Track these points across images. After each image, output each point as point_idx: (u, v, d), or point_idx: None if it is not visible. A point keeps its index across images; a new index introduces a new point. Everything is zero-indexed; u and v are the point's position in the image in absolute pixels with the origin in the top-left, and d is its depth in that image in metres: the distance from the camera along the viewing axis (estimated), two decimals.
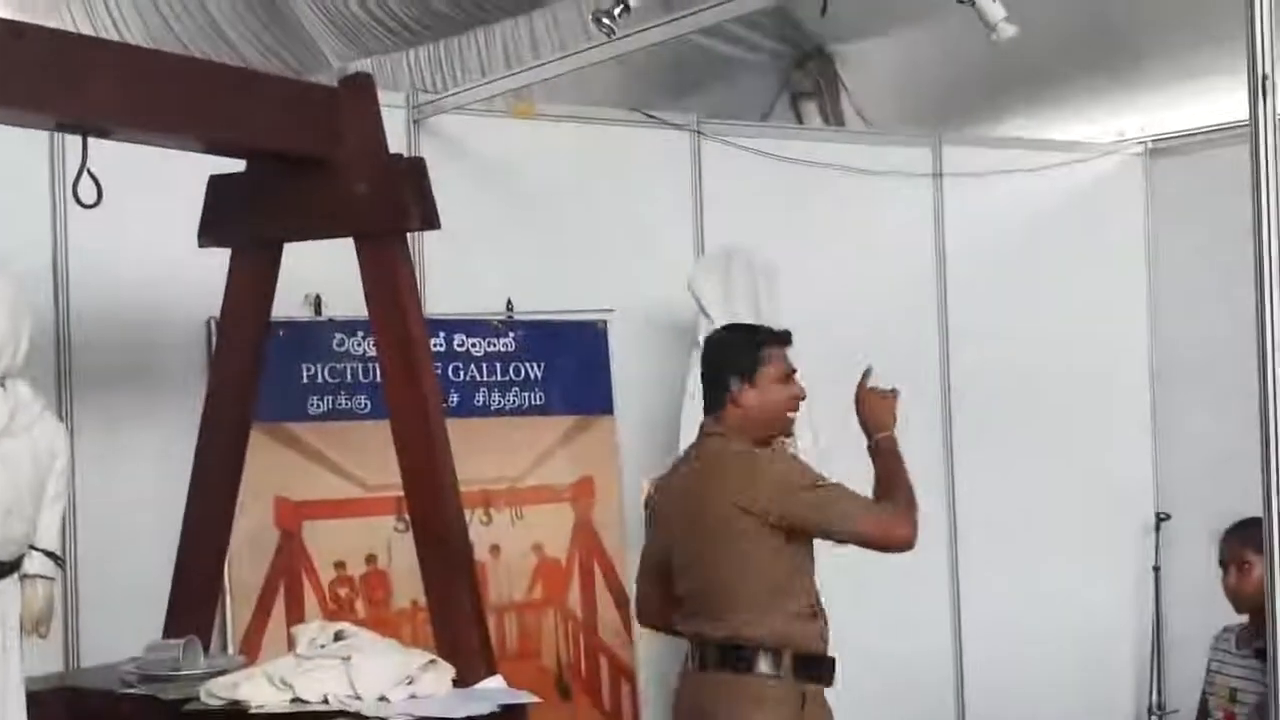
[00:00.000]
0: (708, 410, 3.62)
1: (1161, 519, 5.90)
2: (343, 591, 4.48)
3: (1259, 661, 3.92)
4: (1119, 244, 6.09)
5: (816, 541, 3.55)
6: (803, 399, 3.64)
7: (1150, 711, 5.90)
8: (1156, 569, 5.89)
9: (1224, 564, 4.36)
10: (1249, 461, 2.90)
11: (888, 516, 3.51)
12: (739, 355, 3.60)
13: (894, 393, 3.67)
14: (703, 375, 3.68)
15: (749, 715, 3.43)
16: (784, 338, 3.68)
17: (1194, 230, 5.76)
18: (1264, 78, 2.72)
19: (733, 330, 3.89)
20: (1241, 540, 4.20)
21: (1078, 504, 5.82)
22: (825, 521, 3.46)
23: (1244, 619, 4.37)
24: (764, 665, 3.43)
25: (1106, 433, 5.96)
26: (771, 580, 3.46)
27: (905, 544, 3.56)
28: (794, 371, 3.64)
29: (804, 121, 6.60)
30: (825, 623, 3.56)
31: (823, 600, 3.59)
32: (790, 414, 3.64)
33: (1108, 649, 5.99)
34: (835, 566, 5.02)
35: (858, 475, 5.19)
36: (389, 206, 3.43)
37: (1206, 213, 5.47)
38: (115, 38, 7.38)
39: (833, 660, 3.56)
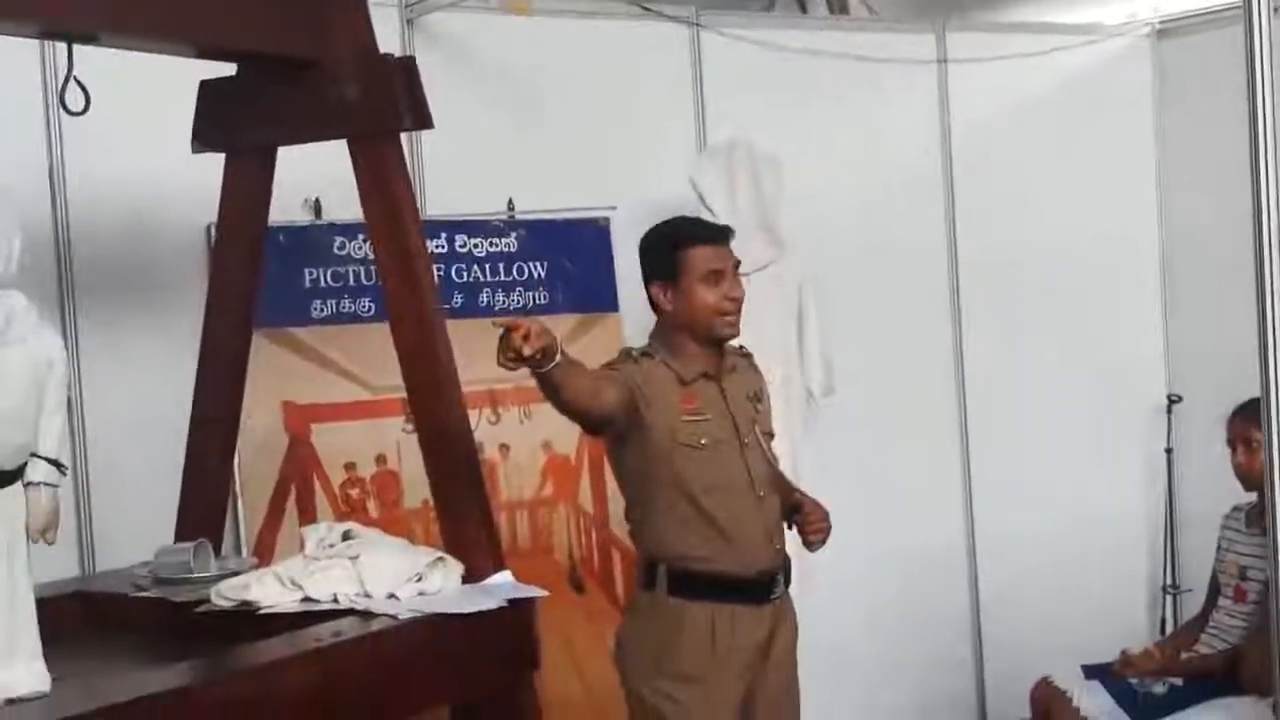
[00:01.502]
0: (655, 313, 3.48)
1: (1173, 401, 5.90)
2: (354, 493, 4.52)
3: (1267, 538, 3.94)
4: (1127, 127, 6.02)
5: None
6: (738, 300, 3.38)
7: (1165, 590, 5.94)
8: (1169, 451, 5.90)
9: (1231, 444, 4.38)
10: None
11: None
12: (658, 257, 3.41)
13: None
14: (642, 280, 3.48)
15: None
16: (712, 233, 3.44)
17: (1202, 111, 5.69)
18: None
19: (655, 231, 3.51)
20: (1246, 419, 4.21)
21: (1089, 388, 5.83)
22: None
23: (1252, 497, 4.39)
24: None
25: (1117, 317, 5.95)
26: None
27: None
28: (724, 270, 3.37)
29: (808, 12, 6.52)
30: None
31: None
32: (723, 317, 3.38)
33: (1121, 531, 6.01)
34: (842, 459, 5.13)
35: (859, 371, 5.28)
36: (380, 107, 3.40)
37: (1214, 93, 5.33)
38: None
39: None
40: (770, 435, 3.55)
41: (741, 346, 3.58)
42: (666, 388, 3.36)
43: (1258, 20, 2.67)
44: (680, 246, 3.39)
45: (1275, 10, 2.83)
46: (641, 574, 3.48)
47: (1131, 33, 6.07)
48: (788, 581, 3.51)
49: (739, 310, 3.41)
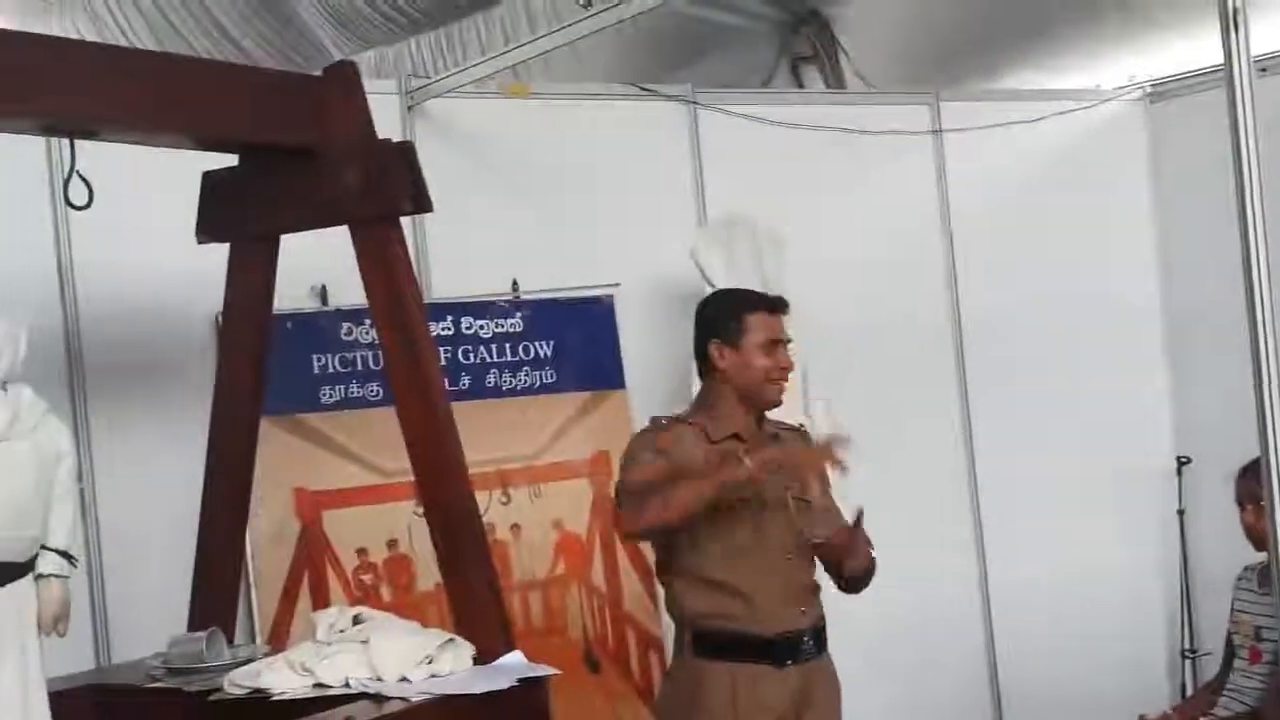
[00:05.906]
0: (700, 376, 3.56)
1: (1183, 463, 5.89)
2: (366, 578, 4.52)
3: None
4: (1125, 189, 6.06)
5: None
6: (788, 370, 3.50)
7: (1183, 655, 5.90)
8: (1181, 512, 5.88)
9: (1240, 503, 4.36)
10: None
11: (623, 510, 3.40)
12: (721, 319, 3.51)
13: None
14: (694, 340, 3.57)
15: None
16: (774, 304, 3.56)
17: (1199, 171, 5.67)
18: (1234, 11, 2.72)
19: (721, 295, 3.74)
20: (1255, 478, 4.20)
21: (1098, 452, 5.80)
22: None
23: (1263, 557, 4.37)
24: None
25: (1123, 381, 5.93)
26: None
27: (623, 535, 3.96)
28: (781, 341, 3.50)
29: (805, 86, 6.60)
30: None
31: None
32: (773, 384, 3.49)
33: (1138, 595, 5.98)
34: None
35: (870, 441, 5.26)
36: (379, 192, 3.45)
37: (1209, 153, 5.39)
38: (123, 42, 7.44)
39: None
40: (806, 503, 3.54)
41: (800, 425, 3.65)
42: (693, 447, 3.41)
43: (1237, 69, 2.71)
44: (745, 312, 3.50)
45: (1262, 71, 2.86)
46: (676, 637, 3.51)
47: (1124, 97, 6.12)
48: (820, 643, 3.50)
49: (786, 379, 3.51)
